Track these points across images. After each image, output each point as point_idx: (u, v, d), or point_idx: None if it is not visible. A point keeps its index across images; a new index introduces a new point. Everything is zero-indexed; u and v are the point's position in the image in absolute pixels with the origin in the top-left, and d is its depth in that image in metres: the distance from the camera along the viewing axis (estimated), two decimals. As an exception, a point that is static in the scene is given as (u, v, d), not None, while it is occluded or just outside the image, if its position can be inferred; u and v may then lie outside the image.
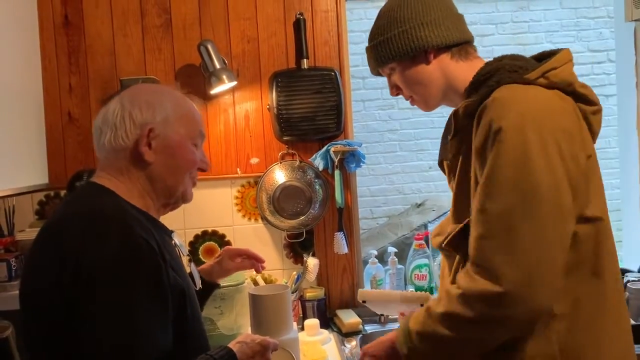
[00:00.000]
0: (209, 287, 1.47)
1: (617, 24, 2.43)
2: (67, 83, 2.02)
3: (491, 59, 1.16)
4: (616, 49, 2.60)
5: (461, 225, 1.11)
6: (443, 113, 4.55)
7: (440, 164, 1.29)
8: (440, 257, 2.37)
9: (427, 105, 1.27)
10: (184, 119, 1.16)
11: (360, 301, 1.59)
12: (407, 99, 1.30)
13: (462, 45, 1.22)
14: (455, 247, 1.13)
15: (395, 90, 1.29)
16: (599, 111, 1.12)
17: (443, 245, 1.16)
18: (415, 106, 1.31)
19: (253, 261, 1.51)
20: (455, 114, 1.15)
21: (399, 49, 1.20)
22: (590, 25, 4.46)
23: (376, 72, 1.31)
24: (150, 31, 2.02)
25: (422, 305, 1.46)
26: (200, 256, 2.04)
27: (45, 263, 1.00)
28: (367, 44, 1.28)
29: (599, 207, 1.06)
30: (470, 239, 1.04)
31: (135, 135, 1.10)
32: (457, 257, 1.15)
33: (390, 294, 1.59)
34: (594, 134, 1.12)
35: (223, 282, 1.73)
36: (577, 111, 1.08)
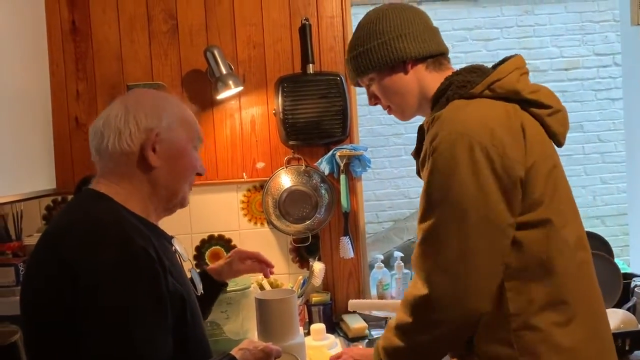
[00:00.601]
0: (218, 286, 1.48)
1: (623, 27, 2.42)
2: (74, 89, 2.03)
3: (449, 74, 1.22)
4: (622, 53, 2.60)
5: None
6: (448, 117, 4.37)
7: (418, 174, 1.33)
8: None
9: (404, 114, 1.32)
10: (186, 123, 1.18)
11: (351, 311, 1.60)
12: (384, 109, 1.34)
13: (437, 57, 1.27)
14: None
15: (374, 100, 1.33)
16: (556, 112, 1.16)
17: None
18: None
19: (262, 265, 1.52)
20: (420, 129, 1.21)
21: (378, 59, 1.25)
22: (596, 29, 4.45)
23: (355, 82, 1.36)
24: (157, 37, 2.04)
25: None
26: (207, 261, 2.04)
27: (43, 272, 1.00)
28: (346, 56, 1.33)
29: (552, 210, 1.09)
30: None
31: (140, 140, 1.10)
32: None
33: (379, 303, 1.58)
34: (555, 135, 1.16)
35: (229, 286, 1.74)
36: (525, 120, 1.10)
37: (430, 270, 1.07)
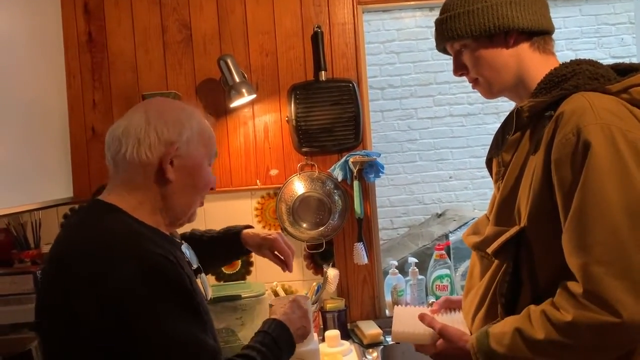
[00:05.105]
0: (244, 252, 1.50)
1: (638, 30, 2.40)
2: (91, 99, 2.06)
3: (567, 61, 1.11)
4: (637, 55, 2.57)
5: (513, 232, 1.07)
6: (463, 122, 4.56)
7: (488, 162, 1.25)
8: (462, 268, 2.35)
9: (491, 91, 1.19)
10: (204, 139, 1.16)
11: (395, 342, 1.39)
12: (470, 82, 1.23)
13: (544, 35, 1.15)
14: (504, 254, 1.09)
15: (461, 70, 1.20)
16: None
17: (487, 250, 1.13)
18: (476, 90, 1.23)
19: (282, 265, 1.49)
20: (518, 112, 1.11)
21: (480, 24, 1.12)
22: (612, 32, 4.41)
23: (442, 47, 1.23)
24: (171, 47, 2.07)
25: None
26: (222, 268, 2.05)
27: (62, 294, 0.97)
28: (439, 16, 1.20)
29: None
30: (573, 264, 0.98)
31: (159, 152, 1.08)
32: (496, 262, 1.12)
33: (425, 335, 1.28)
34: None
35: (244, 293, 1.75)
36: None
37: (617, 289, 0.92)
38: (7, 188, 1.52)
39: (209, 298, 1.26)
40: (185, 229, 1.49)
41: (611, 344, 0.96)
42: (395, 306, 1.45)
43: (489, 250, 1.12)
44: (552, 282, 1.04)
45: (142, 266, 0.96)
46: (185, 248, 1.19)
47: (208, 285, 1.31)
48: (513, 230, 1.08)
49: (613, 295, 0.92)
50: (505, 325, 1.06)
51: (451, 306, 1.39)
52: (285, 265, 1.47)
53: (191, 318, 0.99)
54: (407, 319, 1.30)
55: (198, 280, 1.21)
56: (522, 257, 1.07)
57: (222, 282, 2.04)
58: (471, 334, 1.18)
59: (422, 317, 1.23)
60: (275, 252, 1.48)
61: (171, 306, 0.97)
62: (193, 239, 1.42)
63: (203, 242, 1.44)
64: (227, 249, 1.50)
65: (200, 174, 1.14)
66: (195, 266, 1.20)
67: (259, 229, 1.53)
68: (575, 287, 0.97)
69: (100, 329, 0.93)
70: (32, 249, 1.92)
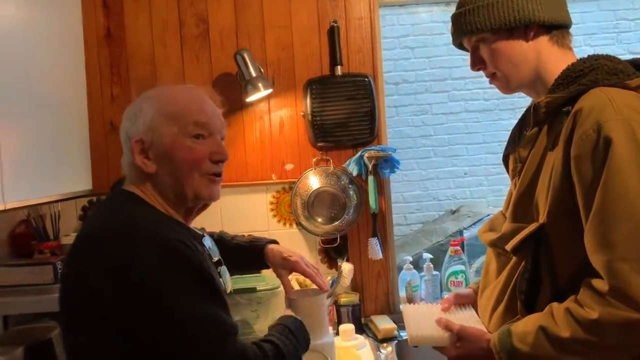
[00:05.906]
0: (264, 266, 1.49)
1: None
2: (109, 93, 2.09)
3: (585, 56, 1.10)
4: (658, 51, 2.54)
5: (532, 229, 1.07)
6: (478, 118, 4.52)
7: (505, 158, 1.25)
8: (476, 265, 2.34)
9: (509, 86, 1.19)
10: (172, 116, 1.10)
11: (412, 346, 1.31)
12: (488, 76, 1.22)
13: (562, 29, 1.14)
14: (523, 251, 1.09)
15: (478, 64, 1.19)
16: None
17: (505, 246, 1.12)
18: (494, 85, 1.22)
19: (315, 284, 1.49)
20: (535, 108, 1.10)
21: (500, 17, 1.11)
22: (631, 27, 4.34)
23: (459, 42, 1.22)
24: (189, 41, 2.08)
25: None
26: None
27: (82, 277, 1.00)
28: (456, 10, 1.19)
29: None
30: (596, 261, 0.98)
31: (131, 150, 1.11)
32: (514, 259, 1.11)
33: (444, 337, 1.22)
34: None
35: (259, 286, 1.76)
36: None
37: None
38: (27, 180, 1.54)
39: (229, 291, 1.27)
40: (215, 228, 1.53)
41: (637, 340, 0.96)
42: (402, 305, 1.43)
43: (508, 247, 1.11)
44: (572, 278, 1.04)
45: (161, 250, 0.98)
46: (206, 241, 1.20)
47: (229, 278, 1.33)
48: (532, 226, 1.07)
49: (639, 292, 0.92)
50: (528, 324, 1.06)
51: (461, 301, 1.38)
52: (318, 285, 1.47)
53: (210, 297, 1.01)
54: (421, 320, 1.29)
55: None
56: (541, 254, 1.06)
57: (237, 275, 2.05)
58: (488, 332, 1.18)
59: (437, 322, 1.23)
60: (289, 278, 1.48)
61: (191, 286, 0.99)
62: (221, 241, 1.43)
63: (230, 248, 1.45)
64: (250, 261, 1.50)
65: (177, 154, 1.09)
66: (216, 259, 1.21)
67: (282, 246, 1.49)
68: (600, 284, 0.97)
69: (121, 314, 0.95)
70: (52, 240, 1.95)
